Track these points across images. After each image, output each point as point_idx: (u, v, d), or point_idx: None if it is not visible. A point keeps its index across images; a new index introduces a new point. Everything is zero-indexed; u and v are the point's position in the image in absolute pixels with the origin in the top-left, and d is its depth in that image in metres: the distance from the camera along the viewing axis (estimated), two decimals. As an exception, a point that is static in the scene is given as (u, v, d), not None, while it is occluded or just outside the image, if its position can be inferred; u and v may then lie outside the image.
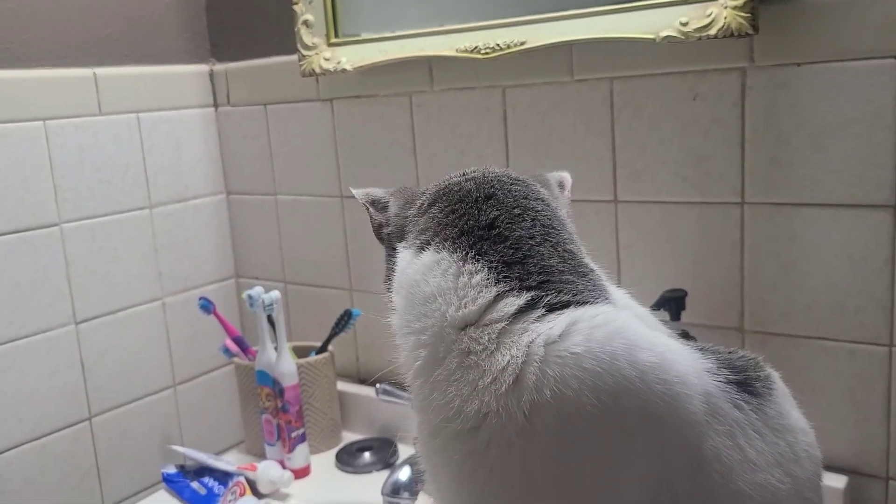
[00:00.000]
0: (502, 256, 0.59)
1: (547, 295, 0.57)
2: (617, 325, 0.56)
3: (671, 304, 0.92)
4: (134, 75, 1.32)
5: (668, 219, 1.01)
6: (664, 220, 1.01)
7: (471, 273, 0.59)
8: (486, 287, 0.58)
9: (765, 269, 0.96)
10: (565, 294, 0.58)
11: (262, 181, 1.41)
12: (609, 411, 0.52)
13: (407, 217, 0.68)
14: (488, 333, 0.56)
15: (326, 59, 1.21)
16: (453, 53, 1.09)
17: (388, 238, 0.70)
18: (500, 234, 0.61)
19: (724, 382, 0.59)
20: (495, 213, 0.62)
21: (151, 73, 1.34)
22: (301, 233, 1.35)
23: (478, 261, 0.59)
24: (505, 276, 0.58)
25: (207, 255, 1.45)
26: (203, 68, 1.43)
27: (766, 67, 0.91)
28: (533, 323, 0.56)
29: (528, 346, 0.55)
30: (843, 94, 0.87)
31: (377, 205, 0.72)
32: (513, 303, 0.57)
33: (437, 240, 0.62)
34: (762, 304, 0.97)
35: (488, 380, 0.55)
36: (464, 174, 0.68)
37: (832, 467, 0.95)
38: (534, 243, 0.60)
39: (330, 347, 1.28)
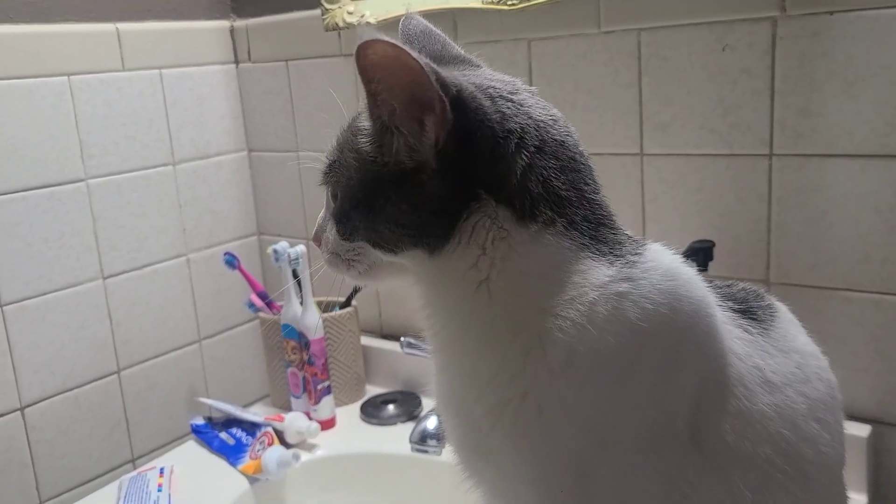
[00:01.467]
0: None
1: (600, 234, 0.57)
2: (667, 261, 0.58)
3: (699, 255, 0.92)
4: (156, 31, 1.31)
5: (695, 172, 1.01)
6: (691, 173, 1.01)
7: None
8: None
9: (792, 221, 0.96)
10: (612, 231, 0.58)
11: (284, 138, 1.41)
12: (657, 339, 0.54)
13: None
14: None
15: (350, 13, 1.21)
16: (479, 5, 1.08)
17: None
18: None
19: (730, 311, 0.62)
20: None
21: (173, 29, 1.34)
22: (323, 189, 1.36)
23: None
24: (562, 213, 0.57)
25: (230, 212, 1.46)
26: (224, 24, 1.42)
27: (797, 17, 0.90)
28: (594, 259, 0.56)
29: (593, 282, 0.54)
30: (876, 41, 0.86)
31: None
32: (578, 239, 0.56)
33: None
34: (788, 255, 0.97)
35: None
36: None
37: (856, 417, 0.96)
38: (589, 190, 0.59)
39: (353, 303, 1.30)
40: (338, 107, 1.32)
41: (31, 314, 1.18)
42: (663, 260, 0.58)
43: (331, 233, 0.62)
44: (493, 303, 0.55)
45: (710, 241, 0.95)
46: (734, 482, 0.57)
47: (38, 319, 1.19)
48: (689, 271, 0.59)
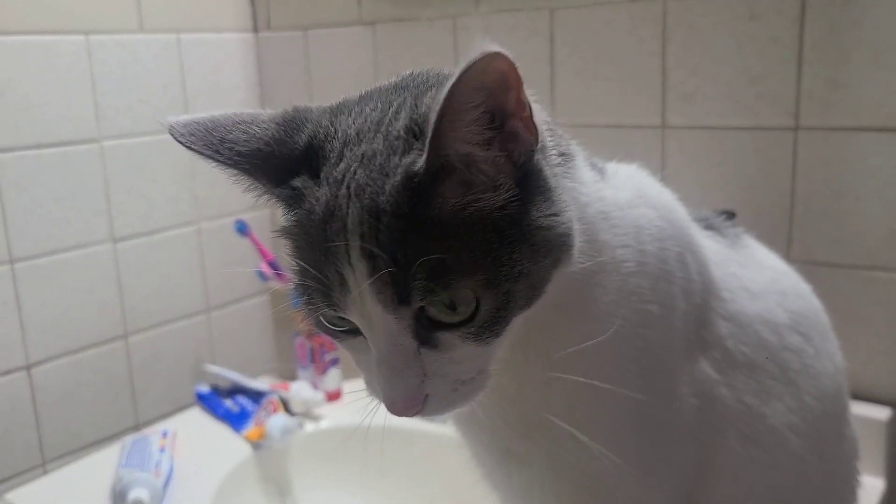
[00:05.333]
0: None
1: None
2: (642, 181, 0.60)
3: (718, 227, 0.90)
4: (175, -6, 1.31)
5: (718, 144, 0.98)
6: (714, 146, 0.99)
7: None
8: None
9: (816, 195, 0.93)
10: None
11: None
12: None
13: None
14: None
15: (370, -20, 1.19)
16: (501, -28, 1.06)
17: None
18: None
19: (698, 227, 0.63)
20: None
21: (192, -7, 1.33)
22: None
23: None
24: None
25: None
26: (244, -9, 1.42)
27: (828, -16, 0.88)
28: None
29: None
30: (911, 10, 0.84)
31: None
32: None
33: None
34: (812, 231, 0.94)
35: None
36: None
37: (876, 399, 0.93)
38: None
39: (364, 275, 1.28)
40: (355, 78, 1.31)
41: (41, 273, 1.17)
42: (629, 177, 0.59)
43: (448, 368, 0.46)
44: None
45: (732, 212, 0.92)
46: (739, 388, 0.57)
47: (47, 279, 1.18)
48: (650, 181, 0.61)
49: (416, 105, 0.47)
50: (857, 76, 0.88)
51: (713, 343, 0.57)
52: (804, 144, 0.93)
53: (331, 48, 1.33)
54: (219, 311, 1.42)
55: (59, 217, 1.18)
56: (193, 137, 0.48)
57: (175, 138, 0.48)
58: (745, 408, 0.57)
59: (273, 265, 1.30)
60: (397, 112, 0.47)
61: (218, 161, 0.48)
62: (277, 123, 0.49)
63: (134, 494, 0.93)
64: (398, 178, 0.43)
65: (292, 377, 1.26)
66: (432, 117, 0.41)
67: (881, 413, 0.91)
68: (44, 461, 1.19)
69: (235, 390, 1.23)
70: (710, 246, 0.61)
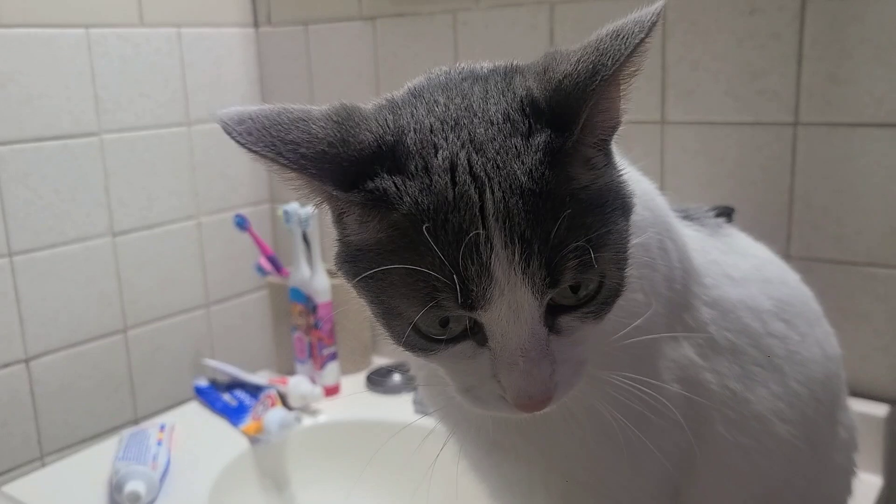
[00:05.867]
0: None
1: None
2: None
3: (717, 222, 0.90)
4: (176, -11, 1.31)
5: (718, 140, 0.98)
6: (713, 142, 0.98)
7: None
8: None
9: (816, 192, 0.93)
10: None
11: (301, 103, 1.39)
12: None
13: None
14: None
15: (371, -25, 1.19)
16: (502, -34, 1.06)
17: None
18: None
19: (677, 216, 0.63)
20: None
21: (193, -12, 1.33)
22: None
23: None
24: None
25: (243, 177, 1.45)
26: (244, -13, 1.42)
27: (829, -20, 0.88)
28: None
29: None
30: (912, 6, 0.84)
31: None
32: None
33: None
34: (812, 228, 0.94)
35: None
36: None
37: (875, 396, 0.93)
38: None
39: (363, 270, 1.28)
40: (356, 73, 1.31)
41: (40, 266, 1.17)
42: None
43: (571, 351, 0.45)
44: None
45: (730, 207, 0.92)
46: (723, 374, 0.57)
47: (47, 272, 1.18)
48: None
49: (510, 88, 0.46)
50: (857, 72, 0.88)
51: (696, 329, 0.57)
52: (804, 140, 0.92)
53: (331, 43, 1.33)
54: (218, 305, 1.42)
55: (58, 210, 1.18)
56: (251, 137, 0.43)
57: (232, 137, 0.43)
58: (730, 393, 0.57)
59: (272, 260, 1.30)
60: (485, 98, 0.46)
61: (281, 164, 0.43)
62: (336, 122, 0.44)
63: (130, 487, 0.93)
64: (538, 156, 0.42)
65: (291, 372, 1.26)
66: (595, 83, 0.42)
67: (879, 410, 0.91)
68: (42, 454, 1.20)
69: (234, 385, 1.23)
70: (691, 234, 0.61)
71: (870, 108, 0.88)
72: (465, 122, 0.44)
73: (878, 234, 0.90)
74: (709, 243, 0.62)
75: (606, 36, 0.44)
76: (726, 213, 0.90)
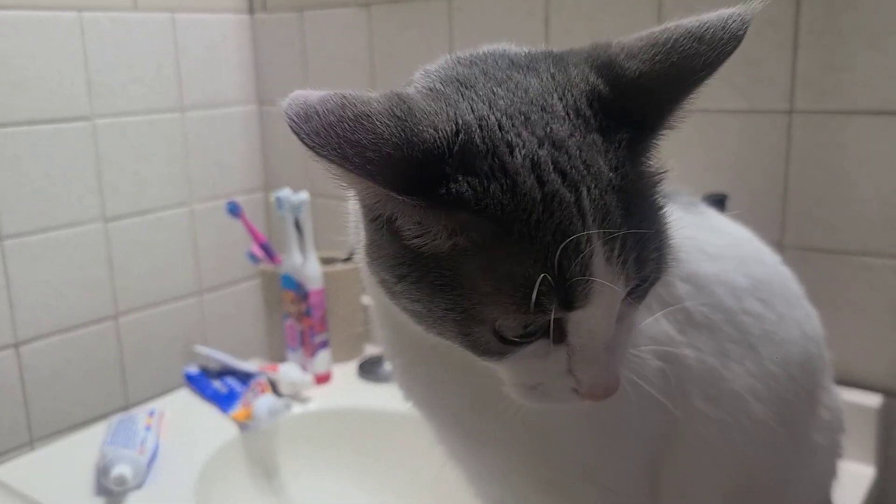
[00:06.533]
0: None
1: None
2: None
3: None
4: (170, -27, 1.30)
5: (713, 128, 0.97)
6: (708, 130, 0.98)
7: None
8: None
9: (811, 180, 0.92)
10: None
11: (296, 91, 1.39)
12: None
13: None
14: None
15: (366, -40, 1.18)
16: (497, -49, 1.05)
17: None
18: None
19: None
20: None
21: (188, -27, 1.32)
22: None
23: None
24: None
25: (237, 164, 1.44)
26: (240, -28, 1.41)
27: (826, -34, 0.87)
28: None
29: None
30: (909, -8, 0.83)
31: None
32: None
33: None
34: (806, 217, 0.93)
35: None
36: None
37: (868, 386, 0.92)
38: None
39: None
40: (351, 59, 1.30)
41: (31, 251, 1.17)
42: None
43: (625, 338, 0.47)
44: None
45: (723, 194, 0.91)
46: (700, 349, 0.56)
47: (37, 256, 1.17)
48: None
49: (569, 81, 0.45)
50: (853, 60, 0.87)
51: (672, 304, 0.56)
52: (799, 128, 0.92)
53: (326, 29, 1.32)
54: (211, 293, 1.42)
55: (50, 194, 1.18)
56: (319, 139, 0.39)
57: (300, 138, 0.39)
58: (707, 368, 0.57)
59: (265, 248, 1.29)
60: (546, 92, 0.45)
61: (346, 169, 0.40)
62: (398, 118, 0.41)
63: (117, 471, 0.92)
64: (622, 152, 0.43)
65: (283, 360, 1.25)
66: (684, 85, 0.44)
67: (872, 400, 0.90)
68: (31, 440, 1.19)
69: (224, 372, 1.22)
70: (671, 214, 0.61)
71: (865, 95, 0.87)
72: (535, 117, 0.43)
73: (872, 223, 0.90)
74: (683, 219, 0.61)
75: (682, 38, 0.45)
76: (719, 200, 0.90)
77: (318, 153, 0.39)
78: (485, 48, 0.50)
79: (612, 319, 0.43)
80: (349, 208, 0.56)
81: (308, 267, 1.18)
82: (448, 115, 0.42)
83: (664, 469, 0.57)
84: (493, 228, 0.41)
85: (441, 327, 0.45)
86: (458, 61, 0.49)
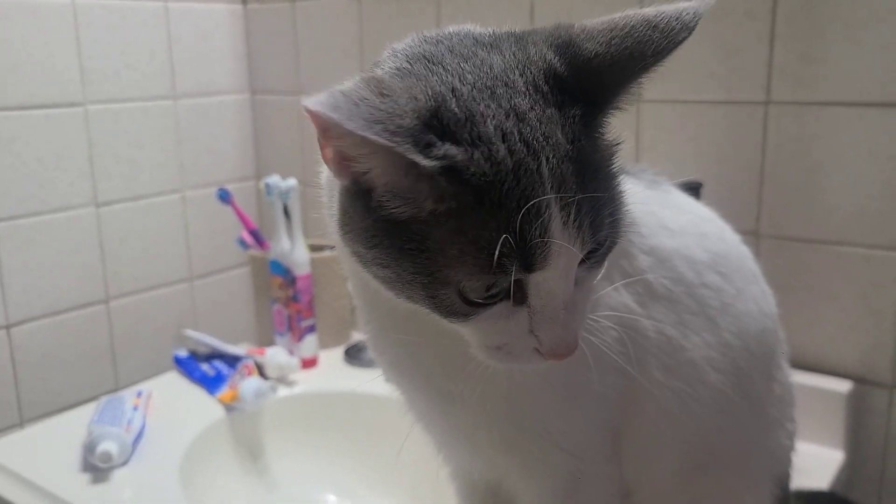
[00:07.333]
0: None
1: None
2: None
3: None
4: (164, -38, 1.31)
5: (691, 118, 0.99)
6: (686, 120, 0.99)
7: None
8: None
9: (787, 170, 0.94)
10: None
11: (287, 80, 1.40)
12: None
13: None
14: None
15: (356, -49, 1.20)
16: (483, -58, 1.07)
17: None
18: None
19: None
20: None
21: (181, -38, 1.34)
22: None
23: None
24: None
25: (229, 152, 1.45)
26: (233, -37, 1.42)
27: (803, -41, 0.89)
28: None
29: None
30: (882, -15, 0.84)
31: None
32: None
33: None
34: (782, 206, 0.95)
35: None
36: None
37: (840, 373, 0.94)
38: None
39: (344, 246, 1.29)
40: (342, 49, 1.31)
41: (23, 234, 1.18)
42: None
43: (585, 300, 0.49)
44: None
45: (698, 182, 0.93)
46: (660, 320, 0.58)
47: (30, 239, 1.19)
48: None
49: (529, 59, 0.48)
50: (829, 51, 0.89)
51: (633, 275, 0.58)
52: (775, 118, 0.93)
53: (317, 19, 1.34)
54: (202, 280, 1.43)
55: (42, 178, 1.19)
56: (351, 122, 0.41)
57: (337, 121, 0.41)
58: (666, 339, 0.59)
59: (254, 234, 1.31)
60: (508, 68, 0.47)
61: (381, 144, 0.42)
62: (385, 95, 0.44)
63: (102, 447, 0.94)
64: (577, 126, 0.46)
65: (271, 344, 1.27)
66: (635, 68, 0.47)
67: (842, 386, 0.92)
68: (22, 420, 1.21)
69: (213, 355, 1.24)
70: (627, 187, 0.62)
71: (840, 86, 0.89)
72: (500, 91, 0.46)
73: (846, 212, 0.91)
74: (646, 195, 0.63)
75: (639, 24, 0.48)
76: (694, 187, 0.91)
77: (352, 130, 0.41)
78: (450, 28, 0.53)
79: (570, 281, 0.46)
80: (322, 183, 0.58)
81: (296, 253, 1.20)
82: (421, 87, 0.45)
83: (625, 438, 0.59)
84: (469, 194, 0.43)
85: (410, 291, 0.47)
86: (425, 40, 0.51)
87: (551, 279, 0.45)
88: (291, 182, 1.20)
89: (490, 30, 0.52)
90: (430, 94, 0.44)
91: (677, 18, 0.48)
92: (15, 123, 1.15)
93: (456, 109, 0.44)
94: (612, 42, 0.47)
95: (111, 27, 1.25)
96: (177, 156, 1.37)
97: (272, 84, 1.43)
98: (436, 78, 0.46)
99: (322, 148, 0.46)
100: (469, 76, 0.46)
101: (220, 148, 1.44)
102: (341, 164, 0.45)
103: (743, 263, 0.67)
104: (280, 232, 1.21)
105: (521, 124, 0.44)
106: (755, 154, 0.95)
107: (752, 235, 0.97)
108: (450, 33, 0.51)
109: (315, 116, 0.41)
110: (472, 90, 0.45)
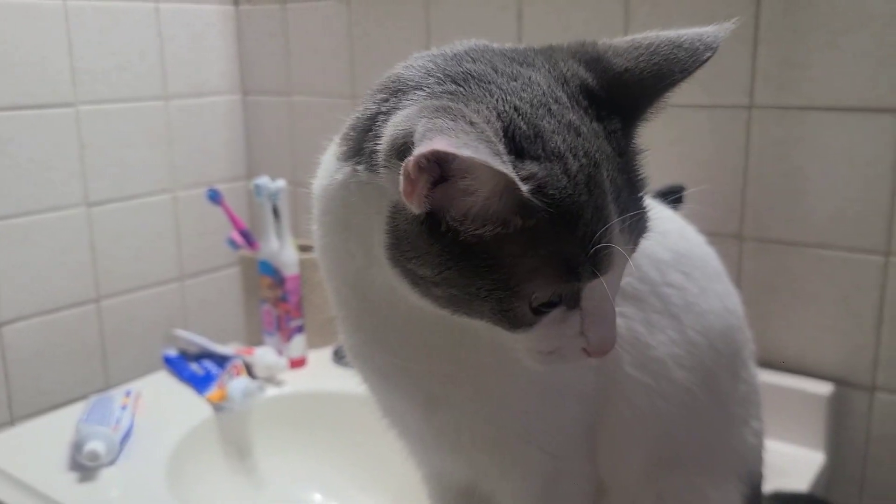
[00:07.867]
0: None
1: None
2: None
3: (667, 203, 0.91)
4: (155, -36, 1.32)
5: (673, 122, 1.00)
6: (669, 124, 1.00)
7: None
8: None
9: (769, 174, 0.95)
10: None
11: (278, 81, 1.41)
12: None
13: None
14: None
15: (346, -47, 1.21)
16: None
17: None
18: None
19: None
20: None
21: (173, -36, 1.35)
22: (314, 135, 1.36)
23: None
24: None
25: (220, 153, 1.46)
26: (225, -36, 1.43)
27: (785, -35, 0.89)
28: None
29: None
30: (863, -9, 0.85)
31: None
32: None
33: None
34: (764, 209, 0.96)
35: None
36: None
37: (821, 375, 0.95)
38: None
39: (334, 247, 1.30)
40: (332, 51, 1.32)
41: (15, 232, 1.19)
42: None
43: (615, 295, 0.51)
44: None
45: (681, 186, 0.94)
46: (630, 318, 0.60)
47: (21, 238, 1.20)
48: None
49: (562, 74, 0.50)
50: (811, 57, 0.90)
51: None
52: (758, 123, 0.94)
53: (308, 21, 1.35)
54: (192, 279, 1.44)
55: (34, 178, 1.20)
56: (468, 148, 0.41)
57: (455, 154, 0.40)
58: (635, 336, 0.60)
59: (245, 234, 1.32)
60: (547, 84, 0.48)
61: (494, 165, 0.41)
62: (472, 122, 0.43)
63: (90, 446, 0.94)
64: (621, 138, 0.49)
65: (260, 344, 1.27)
66: (664, 84, 0.51)
67: (823, 388, 0.93)
68: (12, 419, 1.22)
69: (202, 355, 1.25)
70: None
71: (822, 91, 0.90)
72: (553, 107, 0.47)
73: (826, 215, 0.92)
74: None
75: (663, 44, 0.51)
76: (676, 191, 0.92)
77: (483, 163, 0.40)
78: (467, 43, 0.53)
79: (619, 283, 0.49)
80: (315, 194, 0.59)
81: (285, 253, 1.21)
82: (488, 109, 0.45)
83: (600, 429, 0.60)
84: (550, 208, 0.44)
85: (480, 308, 0.47)
86: (456, 57, 0.50)
87: (608, 283, 0.47)
88: (280, 183, 1.21)
89: (509, 45, 0.53)
90: (497, 114, 0.45)
91: (699, 39, 0.51)
92: (6, 124, 1.16)
93: (524, 127, 0.45)
94: (640, 59, 0.50)
95: (103, 28, 1.26)
96: (168, 156, 1.38)
97: (263, 85, 1.44)
98: (495, 98, 0.46)
99: (409, 183, 0.43)
100: (524, 94, 0.47)
101: (212, 148, 1.44)
102: (422, 195, 0.43)
103: (706, 262, 0.68)
104: (269, 232, 1.22)
105: (579, 139, 0.46)
106: (738, 158, 0.96)
107: (735, 238, 0.98)
108: (475, 50, 0.51)
109: (442, 156, 0.40)
110: (531, 107, 0.46)
